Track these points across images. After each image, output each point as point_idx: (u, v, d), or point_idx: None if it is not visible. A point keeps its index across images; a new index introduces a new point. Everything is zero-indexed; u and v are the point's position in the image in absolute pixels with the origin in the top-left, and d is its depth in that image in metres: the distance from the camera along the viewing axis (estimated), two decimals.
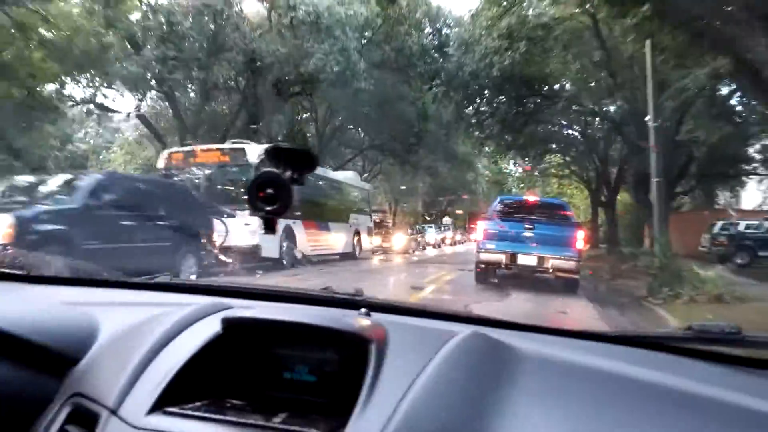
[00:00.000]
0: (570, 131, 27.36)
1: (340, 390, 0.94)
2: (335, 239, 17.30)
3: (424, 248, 31.19)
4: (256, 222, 12.43)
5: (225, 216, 11.42)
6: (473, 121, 20.93)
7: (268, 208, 0.96)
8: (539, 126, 24.69)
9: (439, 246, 36.10)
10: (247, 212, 12.13)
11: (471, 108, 20.88)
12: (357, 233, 19.63)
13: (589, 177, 32.09)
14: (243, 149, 12.68)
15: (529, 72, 16.89)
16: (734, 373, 1.03)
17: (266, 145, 12.88)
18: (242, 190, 12.40)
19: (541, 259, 10.06)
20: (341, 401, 0.90)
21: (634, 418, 0.86)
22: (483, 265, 10.70)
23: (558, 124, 25.91)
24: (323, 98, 18.70)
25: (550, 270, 10.12)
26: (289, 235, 13.85)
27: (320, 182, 16.95)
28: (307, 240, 15.09)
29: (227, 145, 12.94)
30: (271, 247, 12.80)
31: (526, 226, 10.31)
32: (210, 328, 1.04)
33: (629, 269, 16.13)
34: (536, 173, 37.91)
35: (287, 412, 0.95)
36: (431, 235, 34.88)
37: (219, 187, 12.65)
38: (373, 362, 0.91)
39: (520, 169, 64.19)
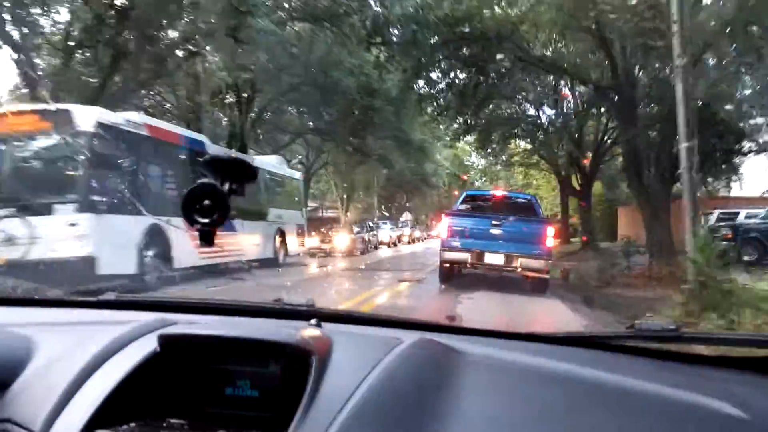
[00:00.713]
0: (537, 110, 23.88)
1: (283, 404, 0.92)
2: (244, 242, 13.16)
3: (376, 247, 27.39)
4: (85, 222, 8.58)
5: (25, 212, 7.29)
6: (424, 91, 17.00)
7: (205, 221, 0.94)
8: (503, 102, 21.08)
9: (395, 245, 32.36)
10: (73, 206, 8.11)
11: (421, 75, 16.95)
12: (281, 233, 15.51)
13: (558, 164, 28.78)
14: (69, 112, 8.47)
15: (488, 24, 13.04)
16: (674, 368, 1.10)
17: (102, 110, 7.72)
18: (69, 171, 8.32)
19: (509, 258, 9.54)
20: (284, 415, 0.88)
21: (577, 417, 0.88)
22: (447, 265, 10.20)
23: (525, 100, 22.33)
24: (238, 60, 14.41)
25: (519, 269, 9.60)
26: (157, 238, 9.69)
27: None
28: (193, 245, 10.95)
29: (44, 107, 8.65)
30: (119, 258, 8.65)
31: (494, 222, 9.78)
32: (149, 345, 1.03)
33: (620, 273, 12.60)
34: (499, 165, 34.36)
35: (228, 429, 0.95)
36: (385, 232, 31.00)
37: (31, 166, 8.45)
38: (313, 374, 0.91)
39: (482, 161, 62.09)
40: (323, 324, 1.21)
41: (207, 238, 0.96)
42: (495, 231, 9.72)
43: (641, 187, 13.32)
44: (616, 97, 13.61)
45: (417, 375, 0.95)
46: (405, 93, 17.40)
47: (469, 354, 1.06)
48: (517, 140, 28.72)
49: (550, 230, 9.82)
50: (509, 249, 9.55)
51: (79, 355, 1.04)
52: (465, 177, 59.74)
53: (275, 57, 15.65)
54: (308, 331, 1.10)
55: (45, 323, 1.32)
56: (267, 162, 16.06)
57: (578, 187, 23.58)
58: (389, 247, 30.31)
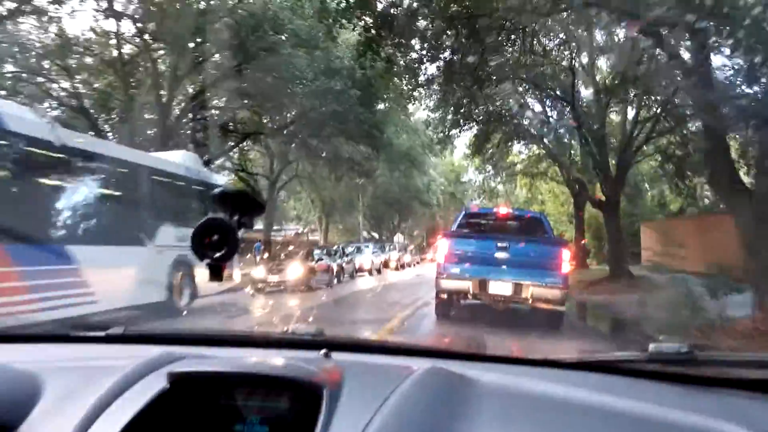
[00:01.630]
0: (544, 101, 19.02)
1: None
2: (97, 280, 8.10)
3: (352, 276, 22.30)
4: None
5: None
6: (404, 62, 12.11)
7: (216, 255, 0.95)
8: (503, 85, 16.16)
9: (379, 272, 27.28)
10: None
11: (396, 48, 12.10)
12: (183, 264, 10.37)
13: (570, 172, 23.85)
14: None
15: None
16: (686, 392, 1.08)
17: None
18: None
19: (517, 287, 8.10)
20: None
21: None
22: (445, 295, 8.76)
23: (529, 86, 17.44)
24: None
25: (530, 300, 8.09)
26: None
27: (69, 161, 8.06)
28: None
29: None
30: None
31: (499, 245, 8.36)
32: (157, 382, 1.02)
33: (705, 324, 7.57)
34: (498, 177, 29.39)
35: None
36: (366, 257, 25.86)
37: None
38: (324, 408, 0.91)
39: (480, 177, 57.22)
40: (333, 353, 1.22)
41: (217, 273, 0.98)
42: (500, 255, 8.34)
43: (735, 190, 8.29)
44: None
45: (430, 405, 0.94)
46: (371, 66, 12.44)
47: (482, 381, 1.07)
48: (521, 142, 23.75)
49: (566, 253, 8.27)
50: (518, 276, 8.19)
51: (87, 394, 1.02)
52: (463, 194, 54.97)
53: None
54: (318, 363, 1.13)
55: (52, 361, 1.30)
56: (164, 160, 11.02)
57: (603, 197, 18.49)
58: (371, 274, 25.21)
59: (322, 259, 18.23)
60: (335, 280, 19.51)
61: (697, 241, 19.17)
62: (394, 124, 24.64)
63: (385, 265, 30.40)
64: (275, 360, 1.18)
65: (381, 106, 21.40)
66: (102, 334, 1.53)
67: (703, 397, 1.05)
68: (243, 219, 0.97)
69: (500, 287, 8.22)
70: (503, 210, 10.86)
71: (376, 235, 47.52)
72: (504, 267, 8.27)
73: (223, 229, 0.94)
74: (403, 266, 33.17)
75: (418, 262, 43.16)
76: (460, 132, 19.01)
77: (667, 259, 15.53)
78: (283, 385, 0.99)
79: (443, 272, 8.52)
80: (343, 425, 0.86)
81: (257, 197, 1.00)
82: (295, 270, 15.86)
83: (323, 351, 1.21)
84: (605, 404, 0.98)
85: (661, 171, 21.48)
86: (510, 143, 22.61)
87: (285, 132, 20.10)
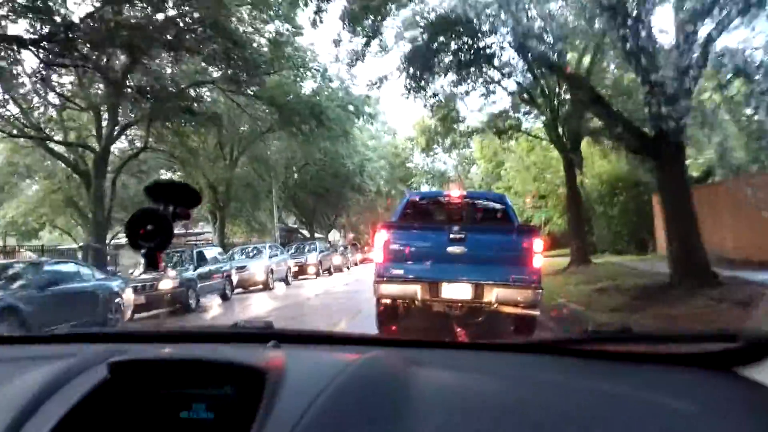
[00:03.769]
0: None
1: (239, 426, 0.92)
2: None
3: (225, 297, 13.66)
4: None
5: None
6: None
7: (149, 244, 0.96)
8: None
9: (288, 282, 18.72)
10: None
11: None
12: None
13: (559, 118, 15.94)
14: None
15: None
16: (624, 368, 1.12)
17: None
18: None
19: (478, 289, 6.55)
20: None
21: (533, 419, 0.88)
22: (388, 301, 7.07)
23: None
24: None
25: (494, 304, 6.54)
26: None
27: None
28: None
29: None
30: None
31: (452, 236, 6.71)
32: (99, 374, 1.01)
33: None
34: (458, 132, 20.80)
35: None
36: (258, 266, 17.03)
37: None
38: (266, 395, 0.90)
39: (429, 161, 48.88)
40: (282, 345, 1.20)
41: (152, 262, 0.99)
42: (455, 249, 6.65)
43: None
44: None
45: (372, 390, 0.94)
46: None
47: (427, 367, 1.07)
48: (485, 71, 15.47)
49: (538, 243, 6.55)
50: (478, 275, 6.57)
51: (25, 388, 1.00)
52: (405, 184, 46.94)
53: None
54: (263, 351, 1.11)
55: (5, 360, 1.30)
56: None
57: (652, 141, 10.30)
58: (266, 289, 16.58)
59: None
60: (194, 301, 11.31)
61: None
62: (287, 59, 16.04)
63: (295, 275, 21.79)
64: (219, 349, 1.21)
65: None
66: (43, 334, 1.58)
67: (643, 373, 1.09)
68: (177, 210, 0.96)
69: (456, 290, 6.64)
70: (455, 193, 8.58)
71: (304, 234, 38.77)
72: (460, 264, 6.64)
73: (157, 218, 0.94)
74: (330, 271, 24.57)
75: (356, 264, 34.95)
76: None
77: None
78: (227, 374, 0.98)
79: (383, 274, 6.81)
80: (285, 410, 0.86)
81: (192, 187, 0.99)
82: None
83: (272, 342, 1.20)
84: (550, 382, 1.02)
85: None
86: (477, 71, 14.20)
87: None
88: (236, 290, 15.51)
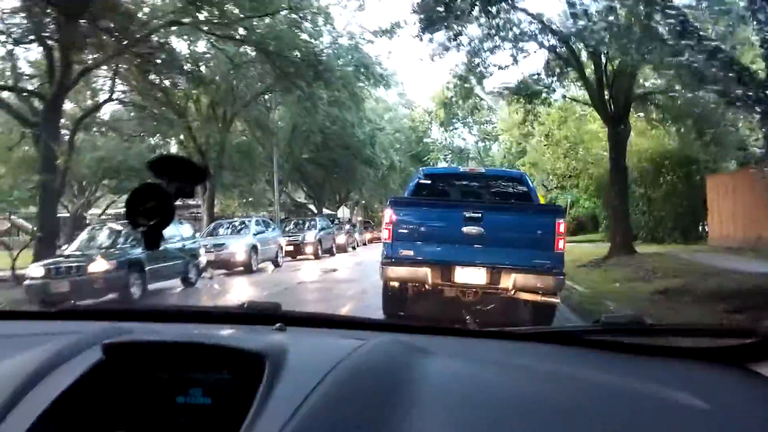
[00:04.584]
0: None
1: (237, 412, 0.89)
2: None
3: (231, 269, 11.24)
4: None
5: None
6: None
7: (150, 222, 0.93)
8: None
9: (278, 264, 16.35)
10: None
11: None
12: None
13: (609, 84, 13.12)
14: None
15: None
16: (637, 361, 1.10)
17: None
18: None
19: (495, 274, 6.08)
20: (238, 423, 0.84)
21: (543, 412, 0.87)
22: (396, 285, 6.58)
23: None
24: None
25: (512, 291, 6.11)
26: None
27: None
28: None
29: None
30: None
31: (468, 215, 6.24)
32: (94, 356, 0.98)
33: None
34: (485, 95, 17.80)
35: None
36: (239, 244, 14.47)
37: None
38: (265, 379, 0.88)
39: (447, 136, 45.22)
40: (288, 328, 1.19)
41: (153, 240, 0.95)
42: (471, 229, 6.15)
43: None
44: None
45: (375, 377, 0.91)
46: None
47: (435, 353, 1.06)
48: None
49: (561, 224, 6.13)
50: (495, 258, 6.09)
51: (20, 367, 0.98)
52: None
53: None
54: (265, 335, 1.10)
55: (3, 336, 1.30)
56: None
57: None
58: (249, 271, 14.12)
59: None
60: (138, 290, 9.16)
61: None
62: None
63: (297, 251, 19.42)
64: (219, 331, 1.17)
65: None
66: (48, 310, 1.53)
67: (656, 367, 1.07)
68: (182, 186, 0.93)
69: (471, 274, 6.19)
70: (472, 169, 8.81)
71: (313, 209, 36.33)
72: (476, 246, 6.20)
73: (158, 195, 0.91)
74: (331, 251, 22.08)
75: (365, 244, 32.52)
76: None
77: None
78: (226, 357, 0.95)
79: (391, 255, 6.38)
80: (285, 395, 0.84)
81: (197, 163, 0.97)
82: None
83: (278, 325, 1.19)
84: (560, 373, 1.00)
85: None
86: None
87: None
88: (214, 273, 13.10)
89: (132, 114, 20.61)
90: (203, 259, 11.88)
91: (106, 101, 14.87)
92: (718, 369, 1.04)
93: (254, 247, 14.88)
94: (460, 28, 11.64)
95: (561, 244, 6.10)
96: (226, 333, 1.15)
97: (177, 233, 10.88)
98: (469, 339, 1.24)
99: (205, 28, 14.55)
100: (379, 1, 11.55)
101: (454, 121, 44.42)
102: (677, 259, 12.81)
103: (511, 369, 1.02)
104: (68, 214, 22.91)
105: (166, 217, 0.91)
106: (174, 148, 24.59)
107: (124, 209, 0.93)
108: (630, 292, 9.03)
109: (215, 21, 14.10)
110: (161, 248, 7.23)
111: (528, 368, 1.01)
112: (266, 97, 24.12)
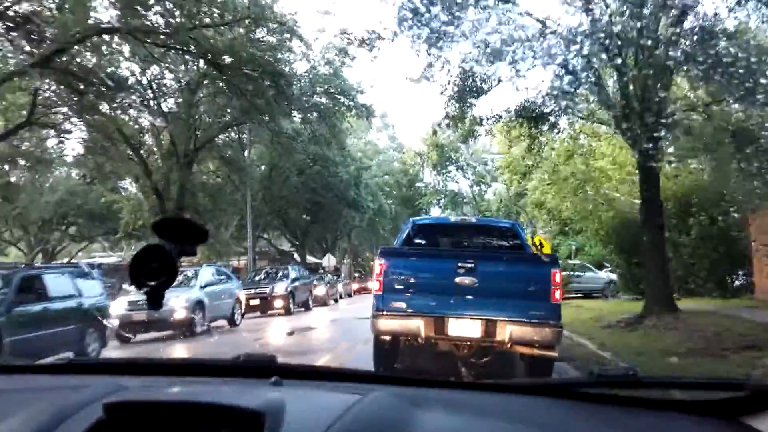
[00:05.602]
0: None
1: None
2: None
3: (161, 331, 8.23)
4: None
5: None
6: None
7: (153, 283, 0.95)
8: None
9: (234, 323, 13.38)
10: None
11: None
12: None
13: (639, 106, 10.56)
14: None
15: None
16: (631, 414, 1.10)
17: None
18: None
19: (490, 326, 5.95)
20: None
21: None
22: (388, 338, 6.47)
23: None
24: None
25: (507, 344, 5.97)
26: None
27: None
28: None
29: None
30: None
31: (461, 265, 6.15)
32: (97, 413, 0.97)
33: None
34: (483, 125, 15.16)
35: None
36: (177, 301, 11.44)
37: None
38: None
39: (440, 179, 42.63)
40: (284, 381, 1.19)
41: (155, 301, 0.97)
42: (464, 280, 6.04)
43: None
44: None
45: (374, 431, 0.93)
46: None
47: (432, 406, 1.07)
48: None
49: (558, 275, 6.14)
50: (489, 310, 5.96)
51: (21, 426, 0.98)
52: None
53: None
54: (262, 391, 1.10)
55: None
56: None
57: None
58: (189, 335, 11.13)
59: None
60: None
61: None
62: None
63: (265, 306, 16.51)
64: (218, 388, 1.18)
65: None
66: (47, 363, 1.51)
67: (650, 420, 1.07)
68: (184, 247, 0.96)
69: (464, 327, 6.07)
70: (464, 219, 9.40)
71: (296, 258, 33.41)
72: (469, 297, 6.10)
73: (161, 256, 0.93)
74: (307, 305, 19.04)
75: (350, 295, 29.56)
76: None
77: None
78: (225, 414, 0.95)
79: (382, 308, 6.23)
80: None
81: (198, 225, 0.98)
82: None
83: (273, 379, 1.18)
84: (555, 426, 1.00)
85: None
86: None
87: None
88: (133, 338, 10.09)
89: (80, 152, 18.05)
90: (113, 322, 8.89)
91: (20, 126, 12.21)
92: (711, 423, 1.04)
93: (200, 303, 11.90)
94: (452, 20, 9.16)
95: (557, 294, 6.10)
96: (224, 389, 1.14)
97: (70, 288, 7.91)
98: (461, 391, 1.25)
99: (148, 40, 12.04)
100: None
101: (448, 164, 42.25)
102: (734, 319, 9.99)
103: (505, 422, 1.02)
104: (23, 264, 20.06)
105: (169, 278, 0.93)
106: (133, 188, 21.98)
107: (129, 270, 0.93)
108: (700, 371, 6.30)
109: (158, 31, 11.61)
110: (35, 309, 4.37)
111: (523, 421, 1.02)
112: (243, 136, 21.75)
